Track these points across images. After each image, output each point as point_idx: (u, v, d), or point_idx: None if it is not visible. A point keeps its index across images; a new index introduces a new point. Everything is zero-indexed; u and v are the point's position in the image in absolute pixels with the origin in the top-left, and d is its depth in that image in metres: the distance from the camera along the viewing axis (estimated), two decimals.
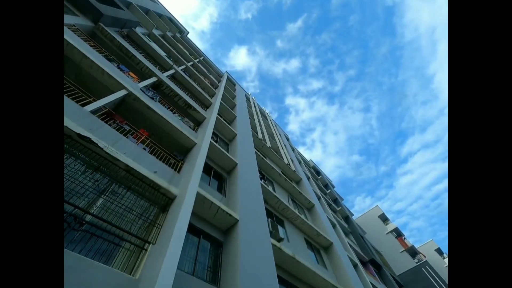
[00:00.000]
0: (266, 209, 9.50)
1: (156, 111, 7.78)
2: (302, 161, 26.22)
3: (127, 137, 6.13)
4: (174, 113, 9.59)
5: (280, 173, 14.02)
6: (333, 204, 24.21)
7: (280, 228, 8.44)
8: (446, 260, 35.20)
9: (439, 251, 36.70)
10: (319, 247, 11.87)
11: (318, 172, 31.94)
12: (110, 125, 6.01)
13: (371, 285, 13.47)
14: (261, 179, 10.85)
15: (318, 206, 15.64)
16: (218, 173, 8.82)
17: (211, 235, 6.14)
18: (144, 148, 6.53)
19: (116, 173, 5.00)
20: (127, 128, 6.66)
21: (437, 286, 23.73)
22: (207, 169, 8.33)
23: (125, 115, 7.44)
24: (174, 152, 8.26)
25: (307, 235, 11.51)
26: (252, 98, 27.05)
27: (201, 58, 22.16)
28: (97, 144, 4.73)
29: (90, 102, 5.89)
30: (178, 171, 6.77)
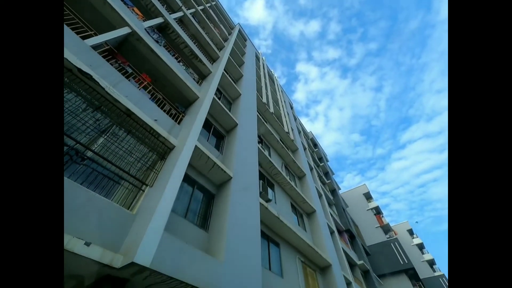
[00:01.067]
0: (260, 171, 9.90)
1: (160, 56, 7.39)
2: (301, 132, 26.29)
3: (129, 80, 5.95)
4: (178, 61, 9.13)
5: (279, 140, 14.18)
6: (323, 177, 25.24)
7: (269, 190, 8.95)
8: (415, 240, 38.65)
9: (410, 232, 40.05)
10: (303, 212, 12.80)
11: (315, 145, 32.36)
12: (112, 64, 5.76)
13: (342, 250, 15.04)
14: (259, 142, 11.02)
15: (309, 177, 16.32)
16: (218, 131, 8.89)
17: (205, 187, 6.51)
18: (149, 93, 6.40)
19: (117, 116, 5.01)
20: (129, 70, 6.41)
21: (399, 259, 26.62)
22: (207, 125, 8.36)
23: (127, 56, 7.07)
24: (176, 103, 8.14)
25: (294, 200, 12.29)
26: (262, 58, 25.55)
27: (213, 3, 20.08)
28: (98, 82, 4.61)
29: (90, 36, 5.52)
30: (179, 123, 6.80)
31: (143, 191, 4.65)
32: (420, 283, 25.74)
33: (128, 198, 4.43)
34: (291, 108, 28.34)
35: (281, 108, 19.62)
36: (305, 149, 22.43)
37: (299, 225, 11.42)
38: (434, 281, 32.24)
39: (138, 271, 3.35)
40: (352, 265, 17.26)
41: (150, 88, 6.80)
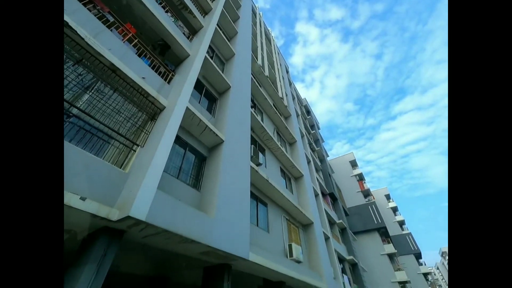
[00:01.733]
0: (251, 136, 9.99)
1: (146, 4, 6.59)
2: (296, 98, 25.86)
3: (111, 30, 5.38)
4: (166, 11, 8.22)
5: (272, 105, 13.98)
6: (313, 144, 25.90)
7: (260, 155, 9.18)
8: (390, 204, 42.51)
9: (387, 197, 43.78)
10: (291, 176, 13.46)
11: (308, 112, 32.28)
12: (89, 10, 5.12)
13: (324, 211, 16.43)
14: (252, 107, 10.84)
15: (300, 143, 16.69)
16: (210, 93, 8.59)
17: (197, 149, 6.59)
18: (135, 47, 5.89)
19: (101, 71, 4.67)
20: (111, 18, 5.74)
21: (374, 220, 29.66)
22: (198, 87, 8.02)
23: (108, 2, 6.26)
24: (165, 60, 7.61)
25: (283, 165, 12.78)
26: (259, 14, 23.34)
27: None
28: (76, 31, 4.15)
29: None
30: (168, 82, 6.47)
31: (134, 151, 4.66)
32: (389, 239, 29.25)
33: (119, 158, 4.45)
34: (287, 72, 27.23)
35: (276, 72, 18.83)
36: (298, 115, 22.40)
37: (286, 187, 12.12)
38: (401, 238, 36.72)
39: (134, 224, 3.58)
40: (331, 223, 19.07)
41: (135, 41, 6.23)
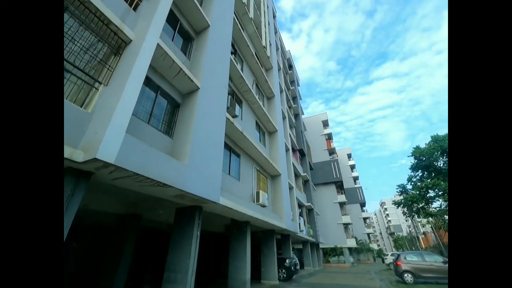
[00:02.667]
0: (229, 85, 9.53)
1: None
2: (280, 49, 24.31)
3: None
4: None
5: (254, 54, 13.03)
6: (291, 101, 25.95)
7: (237, 106, 9.00)
8: (350, 162, 47.63)
9: (349, 156, 48.66)
10: (265, 130, 13.78)
11: (290, 66, 31.10)
12: None
13: (292, 164, 17.81)
14: (232, 53, 9.99)
15: (278, 99, 16.56)
16: (185, 31, 7.55)
17: (169, 94, 6.15)
18: None
19: None
20: None
21: (334, 174, 33.46)
22: (172, 21, 6.93)
23: None
24: None
25: (259, 119, 12.86)
26: None
27: None
28: None
29: None
30: (134, 9, 5.43)
31: (97, 89, 4.16)
32: (343, 191, 33.92)
33: (79, 95, 3.97)
34: (274, 17, 24.64)
35: (262, 15, 16.91)
36: (279, 69, 21.52)
37: (260, 141, 12.53)
38: (352, 191, 42.83)
39: (103, 166, 3.49)
40: (297, 175, 21.02)
41: None
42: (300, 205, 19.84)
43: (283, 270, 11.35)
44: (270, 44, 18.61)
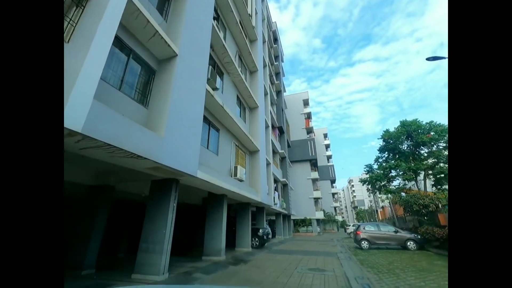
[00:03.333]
0: (210, 55, 8.96)
1: None
2: (266, 19, 22.96)
3: None
4: None
5: (238, 22, 12.17)
6: (274, 77, 25.44)
7: (218, 78, 8.58)
8: (326, 141, 49.84)
9: (325, 135, 50.74)
10: (246, 106, 13.56)
11: (275, 40, 29.85)
12: None
13: (271, 141, 18.12)
14: (214, 19, 9.20)
15: (261, 73, 16.10)
16: None
17: (143, 59, 5.61)
18: None
19: None
20: None
21: (309, 152, 34.98)
22: None
23: None
24: None
25: (241, 93, 12.52)
26: None
27: None
28: None
29: None
30: None
31: None
32: (316, 168, 35.94)
33: None
34: None
35: None
36: (264, 42, 20.59)
37: (240, 116, 12.37)
38: (325, 168, 45.56)
39: (68, 135, 3.20)
40: (275, 152, 21.58)
41: None
42: (276, 180, 20.75)
43: (256, 239, 12.21)
44: (256, 13, 17.45)
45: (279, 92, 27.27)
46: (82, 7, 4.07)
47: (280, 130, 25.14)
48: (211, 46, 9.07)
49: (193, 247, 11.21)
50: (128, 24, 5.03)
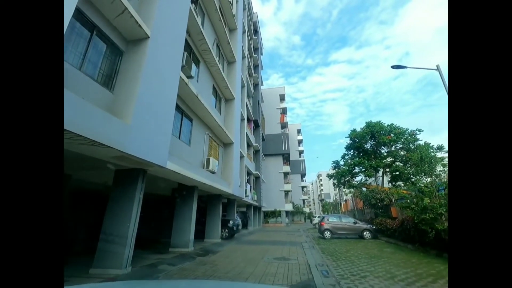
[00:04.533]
0: (186, 41, 8.52)
1: None
2: (247, 9, 22.45)
3: None
4: None
5: (218, 8, 11.71)
6: (252, 69, 25.24)
7: (193, 66, 8.23)
8: (299, 137, 51.60)
9: (298, 131, 52.47)
10: (222, 97, 13.31)
11: (256, 31, 29.46)
12: None
13: (246, 134, 18.16)
14: (192, 2, 8.72)
15: (239, 65, 15.85)
16: None
17: (110, 38, 5.12)
18: None
19: None
20: None
21: (283, 147, 35.96)
22: None
23: None
24: None
25: (217, 84, 12.22)
26: None
27: None
28: None
29: None
30: None
31: None
32: (288, 162, 37.20)
33: None
34: None
35: None
36: (244, 32, 20.18)
37: (216, 107, 12.12)
38: (296, 163, 47.38)
39: None
40: (249, 145, 21.72)
41: None
42: (249, 173, 21.00)
43: (226, 230, 12.34)
44: (237, 1, 16.95)
45: (256, 85, 27.23)
46: None
47: (256, 124, 25.28)
48: (188, 31, 8.62)
49: (160, 239, 10.91)
50: None
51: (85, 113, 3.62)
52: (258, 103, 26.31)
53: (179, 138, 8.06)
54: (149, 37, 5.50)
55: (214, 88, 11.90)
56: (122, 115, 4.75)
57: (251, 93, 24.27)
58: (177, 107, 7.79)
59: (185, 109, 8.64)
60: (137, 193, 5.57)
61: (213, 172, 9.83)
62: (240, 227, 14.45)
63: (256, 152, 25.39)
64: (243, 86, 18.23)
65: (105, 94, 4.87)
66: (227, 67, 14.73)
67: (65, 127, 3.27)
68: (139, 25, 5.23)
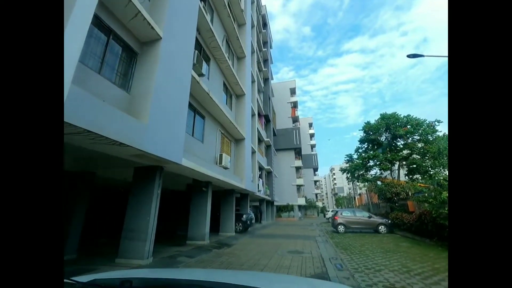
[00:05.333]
0: (196, 39, 8.64)
1: None
2: (255, 2, 22.16)
3: None
4: None
5: (226, 4, 11.69)
6: (261, 63, 25.06)
7: (204, 64, 8.35)
8: (311, 131, 50.93)
9: (310, 125, 51.69)
10: (233, 93, 13.41)
11: (265, 25, 29.07)
12: None
13: (257, 129, 18.23)
14: (201, 0, 8.78)
15: (248, 60, 15.82)
16: None
17: (125, 41, 5.32)
18: None
19: None
20: None
21: (294, 141, 35.70)
22: None
23: None
24: None
25: (227, 80, 12.31)
26: None
27: None
28: None
29: None
30: None
31: None
32: (300, 157, 36.94)
33: None
34: None
35: None
36: (253, 26, 20.01)
37: (226, 103, 12.25)
38: (309, 157, 46.87)
39: None
40: (260, 140, 21.80)
41: None
42: (261, 168, 21.15)
43: (240, 224, 12.64)
44: None
45: (266, 80, 27.05)
46: None
47: (267, 119, 25.24)
48: (198, 30, 8.72)
49: (177, 232, 11.38)
50: (108, 2, 4.70)
51: (107, 115, 3.84)
52: (269, 98, 26.18)
53: (192, 135, 8.28)
54: (161, 38, 5.65)
55: (224, 84, 12.01)
56: (139, 115, 4.97)
57: (261, 87, 24.16)
58: (190, 105, 7.98)
59: (197, 106, 8.82)
60: (155, 189, 5.85)
61: (225, 168, 10.03)
62: (253, 221, 14.71)
63: (268, 147, 25.43)
64: (253, 81, 18.20)
65: (123, 95, 5.10)
66: (236, 63, 14.76)
67: (88, 129, 3.50)
68: (152, 27, 5.38)
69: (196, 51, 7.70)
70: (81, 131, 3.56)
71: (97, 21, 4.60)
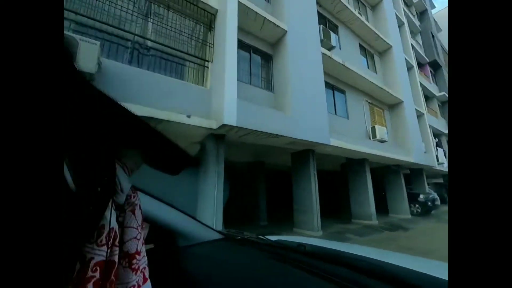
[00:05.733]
0: (319, 12, 8.16)
1: None
2: None
3: None
4: None
5: None
6: None
7: (332, 35, 7.69)
8: None
9: None
10: (374, 52, 11.16)
11: None
12: None
13: (419, 84, 13.82)
14: None
15: (387, 1, 12.33)
16: None
17: (260, 49, 6.26)
18: None
19: None
20: None
21: None
22: None
23: None
24: None
25: (363, 39, 10.47)
26: None
27: None
28: None
29: None
30: None
31: (207, 67, 4.99)
32: None
33: (198, 77, 4.97)
34: None
35: None
36: None
37: (368, 67, 10.46)
38: None
39: (230, 129, 4.43)
40: (428, 97, 16.32)
41: None
42: (438, 134, 15.84)
43: (417, 205, 10.39)
44: None
45: (423, 13, 19.62)
46: (213, 29, 5.21)
47: (434, 65, 18.34)
48: (317, 2, 8.21)
49: (339, 210, 11.62)
50: (242, 24, 5.76)
51: (263, 115, 4.78)
52: (432, 36, 18.76)
53: (335, 113, 8.01)
54: (286, 31, 5.99)
55: (361, 46, 10.32)
56: (284, 108, 5.65)
57: (416, 27, 17.90)
58: (326, 84, 7.75)
59: (334, 82, 8.36)
60: (311, 170, 6.38)
61: (382, 141, 8.65)
62: (438, 202, 11.44)
63: (443, 103, 18.42)
64: (400, 25, 13.95)
65: (269, 95, 6.06)
66: (371, 13, 12.09)
67: (253, 128, 4.54)
68: (277, 25, 5.85)
69: (321, 26, 7.31)
70: (250, 131, 4.71)
71: (240, 44, 5.82)
